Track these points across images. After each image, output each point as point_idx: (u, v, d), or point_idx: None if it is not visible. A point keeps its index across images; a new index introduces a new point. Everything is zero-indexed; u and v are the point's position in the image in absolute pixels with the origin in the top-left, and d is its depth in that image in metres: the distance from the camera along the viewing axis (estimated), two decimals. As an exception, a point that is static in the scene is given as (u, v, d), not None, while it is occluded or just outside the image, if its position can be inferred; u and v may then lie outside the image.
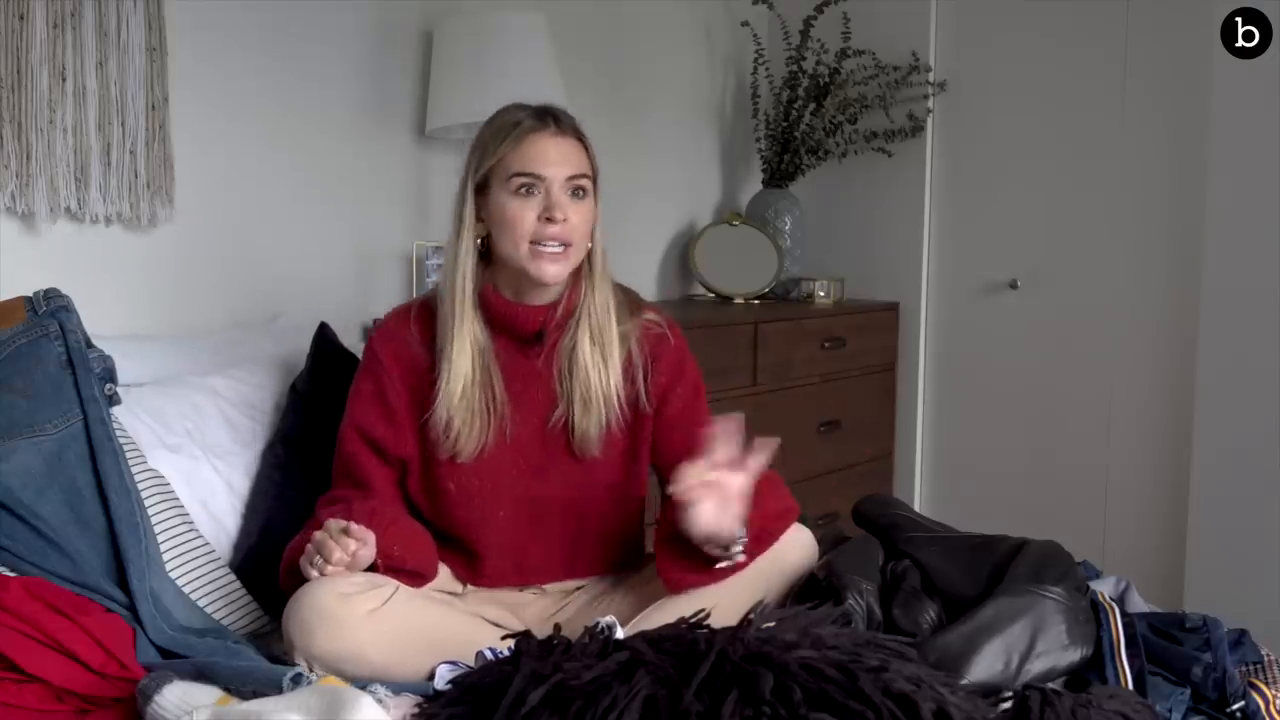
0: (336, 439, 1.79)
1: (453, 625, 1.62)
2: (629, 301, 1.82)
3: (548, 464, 1.77)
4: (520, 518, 1.77)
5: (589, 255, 1.75)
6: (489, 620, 1.67)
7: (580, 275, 1.76)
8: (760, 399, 3.02)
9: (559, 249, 1.69)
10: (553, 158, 1.69)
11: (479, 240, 1.73)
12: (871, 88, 3.45)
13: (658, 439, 1.82)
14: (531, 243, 1.68)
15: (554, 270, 1.69)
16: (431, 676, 1.49)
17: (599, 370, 1.74)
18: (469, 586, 1.81)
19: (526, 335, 1.75)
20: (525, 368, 1.76)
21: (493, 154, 1.70)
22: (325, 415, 1.93)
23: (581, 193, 1.71)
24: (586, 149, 1.74)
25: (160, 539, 1.74)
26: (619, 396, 1.76)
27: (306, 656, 1.52)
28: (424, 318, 1.78)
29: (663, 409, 1.81)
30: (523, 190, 1.68)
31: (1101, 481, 3.30)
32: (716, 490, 1.55)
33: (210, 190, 2.32)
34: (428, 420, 1.73)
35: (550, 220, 1.67)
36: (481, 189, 1.72)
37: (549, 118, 1.72)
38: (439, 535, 1.78)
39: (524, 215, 1.67)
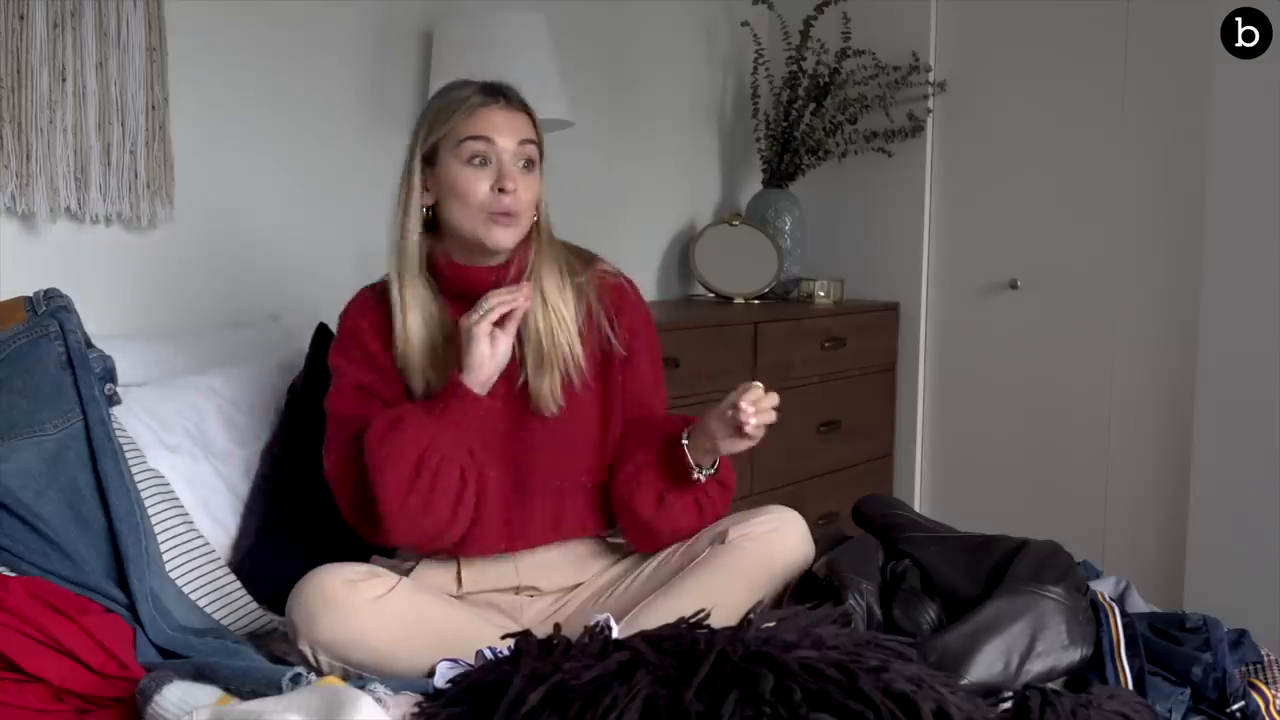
0: (329, 409, 1.79)
1: (454, 618, 1.64)
2: (581, 256, 1.86)
3: (523, 424, 1.78)
4: (506, 477, 1.78)
5: (535, 223, 1.80)
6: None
7: (529, 240, 1.79)
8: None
9: (509, 217, 1.73)
10: (503, 127, 1.73)
11: (425, 209, 1.76)
12: (871, 88, 3.45)
13: (623, 386, 1.84)
14: (485, 212, 1.73)
15: (507, 235, 1.73)
16: (432, 673, 1.49)
17: (552, 332, 1.77)
18: (463, 588, 1.80)
19: (478, 297, 1.77)
20: None
21: (444, 124, 1.74)
22: (323, 415, 1.93)
23: (530, 164, 1.75)
24: (534, 122, 1.79)
25: (160, 539, 1.74)
26: (579, 353, 1.79)
27: (310, 642, 1.54)
28: (385, 294, 1.81)
29: (631, 357, 1.84)
30: (475, 160, 1.72)
31: (1101, 481, 3.30)
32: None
33: (210, 190, 2.32)
34: (406, 388, 1.76)
35: (503, 191, 1.71)
36: (429, 160, 1.76)
37: (499, 93, 1.77)
38: None
39: (477, 186, 1.71)
